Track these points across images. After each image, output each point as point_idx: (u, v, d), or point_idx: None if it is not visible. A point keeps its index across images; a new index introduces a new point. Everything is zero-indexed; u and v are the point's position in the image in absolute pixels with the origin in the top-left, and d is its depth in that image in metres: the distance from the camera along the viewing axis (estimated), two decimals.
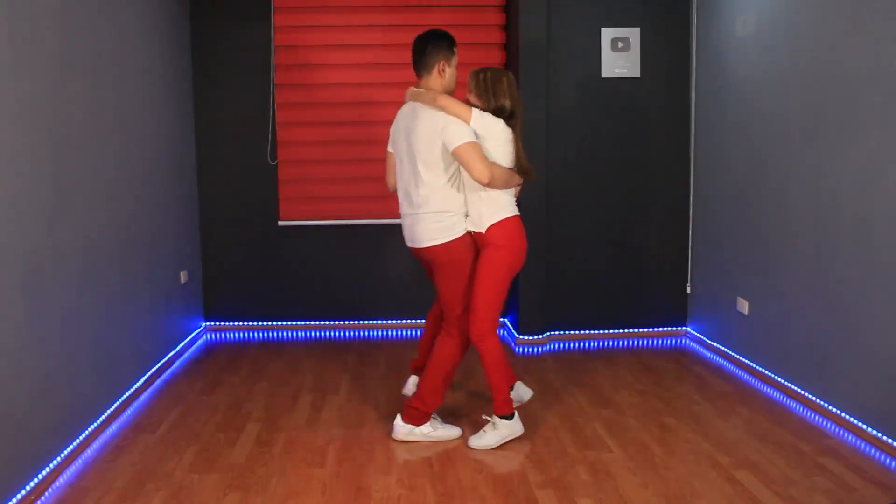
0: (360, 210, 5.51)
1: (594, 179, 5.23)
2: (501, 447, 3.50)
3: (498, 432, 3.53)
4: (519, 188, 3.68)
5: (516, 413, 3.58)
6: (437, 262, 3.54)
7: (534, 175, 3.64)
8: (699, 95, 5.13)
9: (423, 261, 3.70)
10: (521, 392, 3.87)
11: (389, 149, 3.76)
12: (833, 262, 3.75)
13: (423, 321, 5.60)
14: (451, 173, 3.48)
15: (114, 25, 3.97)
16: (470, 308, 3.51)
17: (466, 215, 3.55)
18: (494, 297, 3.50)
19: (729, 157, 4.73)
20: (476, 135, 3.40)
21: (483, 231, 3.49)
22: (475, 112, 3.42)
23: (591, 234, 5.28)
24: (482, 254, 3.51)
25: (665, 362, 4.80)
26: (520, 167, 3.53)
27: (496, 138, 3.44)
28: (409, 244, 3.64)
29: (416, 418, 3.57)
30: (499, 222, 3.49)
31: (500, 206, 3.50)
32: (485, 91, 3.48)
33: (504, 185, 3.49)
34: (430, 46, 3.56)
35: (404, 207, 3.62)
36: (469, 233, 3.54)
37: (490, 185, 3.39)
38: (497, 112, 3.46)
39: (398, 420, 3.60)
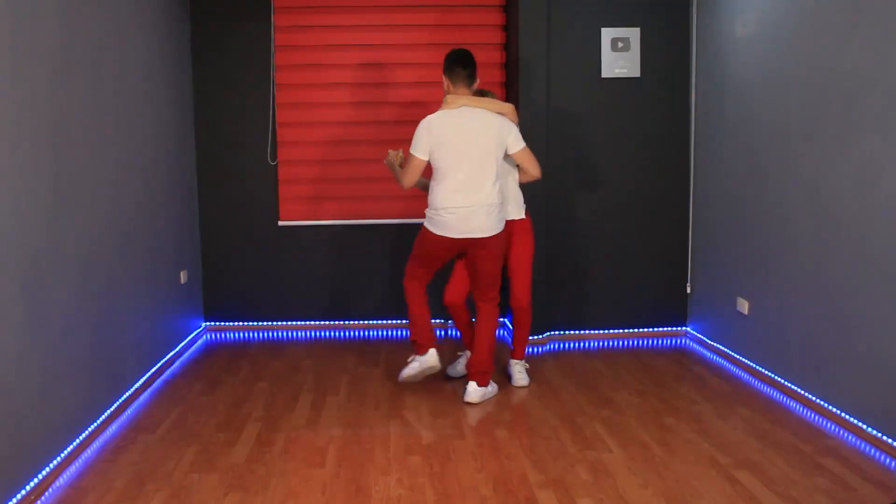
0: (360, 210, 5.51)
1: (594, 179, 5.23)
2: (502, 447, 3.51)
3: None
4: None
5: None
6: (495, 247, 4.01)
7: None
8: (699, 95, 5.13)
9: (459, 249, 4.05)
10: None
11: (422, 155, 3.97)
12: (833, 262, 3.75)
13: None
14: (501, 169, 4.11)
15: (114, 25, 3.97)
16: (520, 282, 4.26)
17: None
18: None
19: (729, 156, 4.73)
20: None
21: (523, 217, 4.30)
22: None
23: (591, 233, 5.28)
24: (524, 237, 4.26)
25: (665, 362, 4.80)
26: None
27: None
28: (463, 234, 3.95)
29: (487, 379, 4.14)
30: (526, 211, 4.34)
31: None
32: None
33: None
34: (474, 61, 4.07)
35: (458, 201, 3.91)
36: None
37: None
38: None
39: (473, 386, 4.07)
